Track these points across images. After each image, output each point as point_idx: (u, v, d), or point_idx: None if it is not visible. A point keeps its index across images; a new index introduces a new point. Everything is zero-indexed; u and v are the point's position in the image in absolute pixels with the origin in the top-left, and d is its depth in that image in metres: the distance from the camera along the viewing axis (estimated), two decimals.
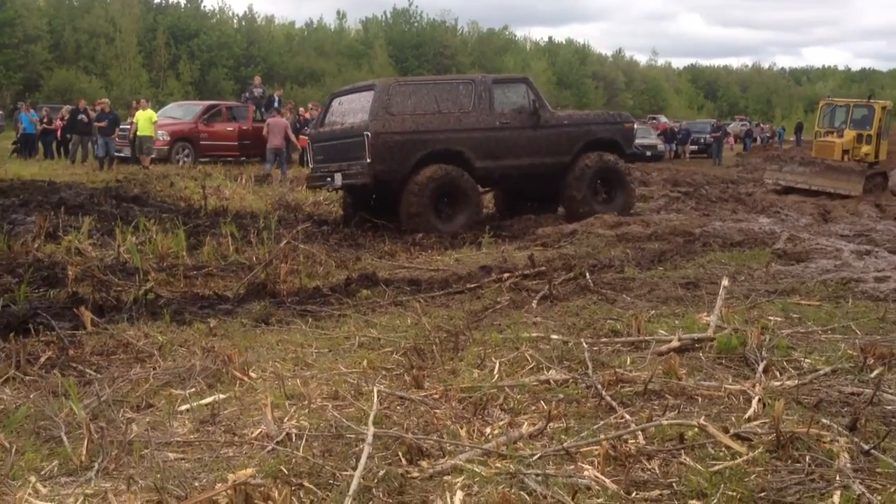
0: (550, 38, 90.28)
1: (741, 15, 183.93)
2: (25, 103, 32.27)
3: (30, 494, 3.52)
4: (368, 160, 12.10)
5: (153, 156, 23.40)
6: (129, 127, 24.30)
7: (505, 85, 13.48)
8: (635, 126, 15.27)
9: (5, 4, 52.96)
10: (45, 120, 27.78)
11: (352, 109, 13.08)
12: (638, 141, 35.85)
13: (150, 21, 61.68)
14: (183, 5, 66.27)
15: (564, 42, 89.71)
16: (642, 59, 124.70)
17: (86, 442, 4.11)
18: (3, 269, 8.51)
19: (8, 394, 5.02)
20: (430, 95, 12.78)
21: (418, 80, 14.49)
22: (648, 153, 34.79)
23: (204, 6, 67.71)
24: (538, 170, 13.28)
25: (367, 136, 12.08)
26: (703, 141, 39.38)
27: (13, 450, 4.06)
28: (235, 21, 69.99)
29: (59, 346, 5.82)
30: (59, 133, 27.26)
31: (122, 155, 24.25)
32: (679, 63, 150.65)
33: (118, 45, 57.06)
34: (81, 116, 24.84)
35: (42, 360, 5.54)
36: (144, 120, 23.13)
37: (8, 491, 3.63)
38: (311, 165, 14.18)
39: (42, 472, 3.92)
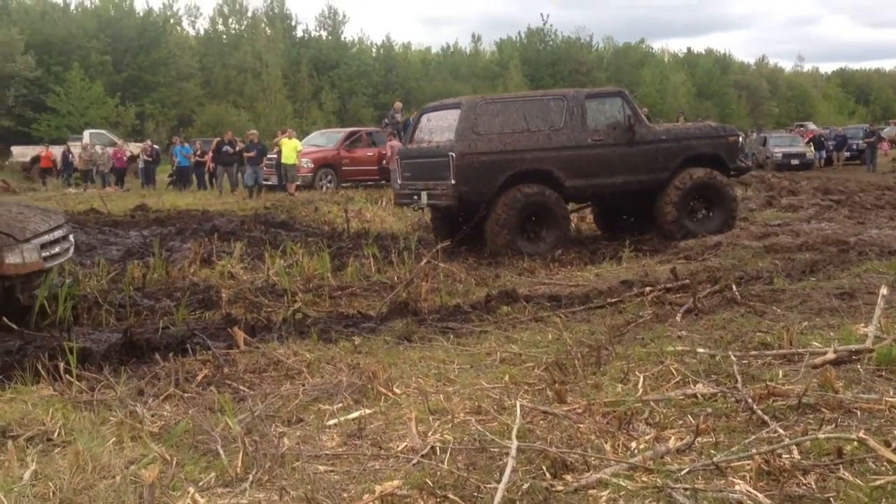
0: (689, 48, 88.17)
1: (891, 15, 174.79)
2: (179, 137, 34.15)
3: None
4: (453, 181, 11.82)
5: (298, 182, 24.22)
6: (276, 156, 25.27)
7: (599, 100, 12.97)
8: (740, 139, 14.36)
9: (160, 45, 56.23)
10: (198, 153, 29.26)
11: (439, 127, 12.83)
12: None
13: (294, 55, 64.09)
14: (325, 37, 68.55)
15: (704, 52, 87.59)
16: (787, 65, 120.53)
17: (241, 455, 4.28)
18: (162, 293, 9.01)
19: (168, 410, 5.29)
20: (519, 113, 12.36)
21: (507, 97, 13.94)
22: (796, 161, 33.54)
23: (344, 37, 69.88)
24: (633, 187, 12.70)
25: (452, 156, 11.83)
26: (855, 147, 37.58)
27: (174, 462, 4.26)
28: (374, 50, 71.86)
29: (214, 364, 6.09)
30: (210, 165, 28.64)
31: (269, 183, 25.24)
32: (827, 68, 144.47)
33: (264, 79, 59.55)
34: (226, 148, 26.04)
35: (199, 377, 5.81)
36: (289, 149, 24.01)
37: (170, 501, 3.82)
38: (399, 182, 14.02)
39: (200, 484, 4.11)
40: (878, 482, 3.66)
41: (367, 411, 5.16)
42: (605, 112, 12.79)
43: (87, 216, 16.81)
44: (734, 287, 8.03)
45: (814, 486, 3.73)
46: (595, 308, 7.91)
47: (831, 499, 3.58)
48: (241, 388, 5.68)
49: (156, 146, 33.35)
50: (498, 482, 3.87)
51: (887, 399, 4.76)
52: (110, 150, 31.35)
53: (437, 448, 4.46)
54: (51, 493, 3.96)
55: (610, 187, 12.64)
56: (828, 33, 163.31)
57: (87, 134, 34.98)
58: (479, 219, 12.19)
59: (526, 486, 3.90)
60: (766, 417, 4.62)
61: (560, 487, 3.92)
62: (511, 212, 11.83)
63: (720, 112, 70.84)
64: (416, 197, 12.89)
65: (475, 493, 3.87)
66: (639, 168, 12.63)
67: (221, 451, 4.41)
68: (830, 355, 5.59)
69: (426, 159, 12.74)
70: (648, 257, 11.11)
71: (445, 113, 12.92)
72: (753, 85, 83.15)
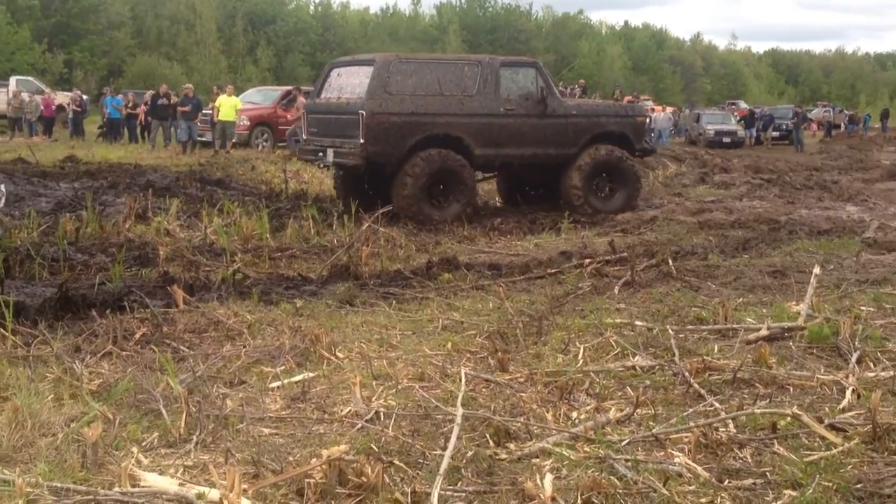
0: (626, 21, 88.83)
1: None
2: (110, 88, 33.17)
3: (134, 464, 3.65)
4: (361, 140, 11.49)
5: (234, 140, 23.79)
6: (210, 112, 24.74)
7: (513, 68, 12.77)
8: (648, 121, 14.34)
9: None
10: (129, 105, 28.49)
11: (350, 84, 12.37)
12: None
13: (230, 8, 62.69)
14: None
15: (641, 26, 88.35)
16: (721, 43, 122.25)
17: (184, 415, 4.24)
18: (97, 248, 8.80)
19: (106, 368, 5.20)
20: (433, 76, 12.00)
21: (422, 57, 13.65)
22: (727, 139, 34.19)
23: None
24: (541, 160, 12.66)
25: (362, 114, 11.47)
26: (784, 127, 38.41)
27: (116, 421, 4.20)
28: (311, 7, 70.74)
29: (153, 322, 6.00)
30: (142, 118, 27.91)
31: (203, 139, 24.75)
32: (759, 47, 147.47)
33: (198, 31, 58.17)
34: (162, 101, 25.41)
35: (137, 335, 5.71)
36: (229, 106, 23.49)
37: (113, 460, 3.77)
38: (303, 137, 13.69)
39: (143, 444, 4.06)
40: (811, 457, 3.81)
41: (310, 375, 5.15)
42: (518, 82, 12.61)
43: (15, 166, 16.25)
44: (670, 261, 8.20)
45: (750, 460, 3.86)
46: (535, 278, 7.99)
47: (767, 473, 3.71)
48: (181, 347, 5.62)
49: (84, 96, 32.35)
50: (443, 449, 3.91)
51: (818, 376, 4.94)
52: (38, 98, 30.30)
53: (382, 413, 4.49)
54: None
55: (519, 158, 12.54)
56: (762, 13, 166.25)
57: (13, 80, 33.71)
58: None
59: (470, 453, 3.96)
60: (702, 391, 4.76)
61: (504, 455, 3.98)
62: (419, 176, 11.63)
63: (654, 87, 71.68)
64: (321, 154, 12.58)
65: (420, 460, 3.91)
66: (548, 141, 12.54)
67: (164, 411, 4.36)
68: (764, 332, 5.77)
69: (334, 115, 12.41)
70: (587, 229, 11.25)
71: (357, 69, 12.53)
72: (688, 61, 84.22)
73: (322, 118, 12.87)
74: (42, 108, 29.70)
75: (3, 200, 7.97)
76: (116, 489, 3.41)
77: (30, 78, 35.97)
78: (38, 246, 8.46)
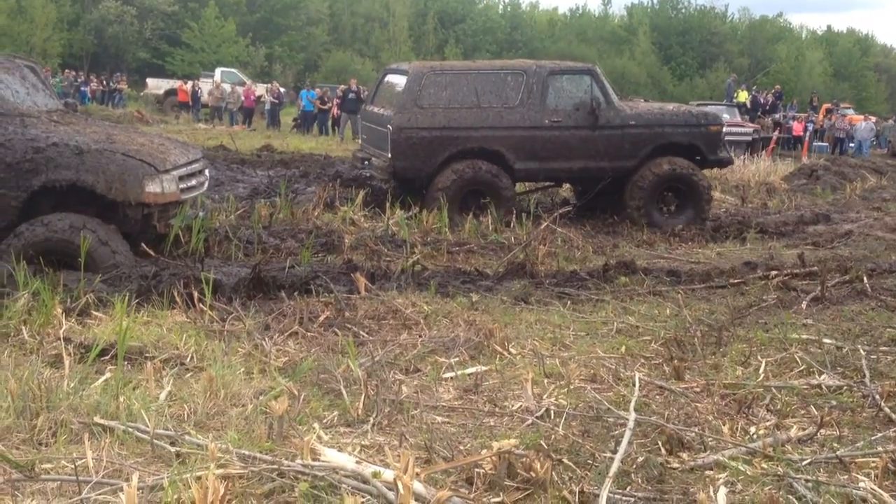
0: (829, 26, 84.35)
1: None
2: (306, 83, 34.75)
3: (315, 439, 3.83)
4: (389, 156, 11.14)
5: None
6: None
7: (563, 77, 11.87)
8: (724, 129, 12.86)
9: None
10: (323, 98, 29.73)
11: (391, 93, 11.90)
12: None
13: (422, 6, 64.31)
14: None
15: (845, 31, 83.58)
16: None
17: (362, 397, 4.42)
18: (287, 233, 9.27)
19: (292, 347, 5.49)
20: (471, 87, 11.35)
21: (459, 67, 12.70)
22: None
23: None
24: (593, 174, 11.73)
25: (389, 129, 11.13)
26: None
27: (300, 397, 4.43)
28: (501, 7, 71.35)
29: (336, 307, 6.25)
30: (334, 111, 29.08)
31: None
32: None
33: (391, 29, 60.00)
34: (352, 95, 26.36)
35: (321, 318, 5.98)
36: None
37: (296, 434, 3.97)
38: (360, 143, 13.36)
39: (324, 421, 4.26)
40: None
41: (483, 368, 5.24)
42: (568, 91, 11.80)
43: (216, 152, 17.32)
44: (865, 279, 7.75)
45: None
46: (716, 287, 7.74)
47: None
48: (362, 332, 5.83)
49: (282, 89, 33.99)
50: (613, 452, 3.90)
51: None
52: (240, 90, 32.13)
53: (552, 411, 4.51)
54: (185, 415, 4.18)
55: (566, 172, 11.83)
56: None
57: (218, 72, 35.88)
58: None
59: (641, 459, 3.91)
60: (893, 416, 4.50)
61: (676, 464, 3.92)
62: (451, 185, 11.06)
63: (856, 95, 67.69)
64: (366, 162, 12.25)
65: (589, 461, 3.90)
66: (601, 154, 11.66)
67: (344, 392, 4.56)
68: None
69: (374, 126, 12.04)
70: (774, 240, 10.80)
71: (399, 78, 12.01)
72: (895, 69, 79.04)
73: (368, 126, 12.62)
74: (243, 98, 31.46)
75: (207, 185, 8.50)
76: (299, 461, 3.60)
77: (233, 70, 38.20)
78: (236, 228, 9.01)
